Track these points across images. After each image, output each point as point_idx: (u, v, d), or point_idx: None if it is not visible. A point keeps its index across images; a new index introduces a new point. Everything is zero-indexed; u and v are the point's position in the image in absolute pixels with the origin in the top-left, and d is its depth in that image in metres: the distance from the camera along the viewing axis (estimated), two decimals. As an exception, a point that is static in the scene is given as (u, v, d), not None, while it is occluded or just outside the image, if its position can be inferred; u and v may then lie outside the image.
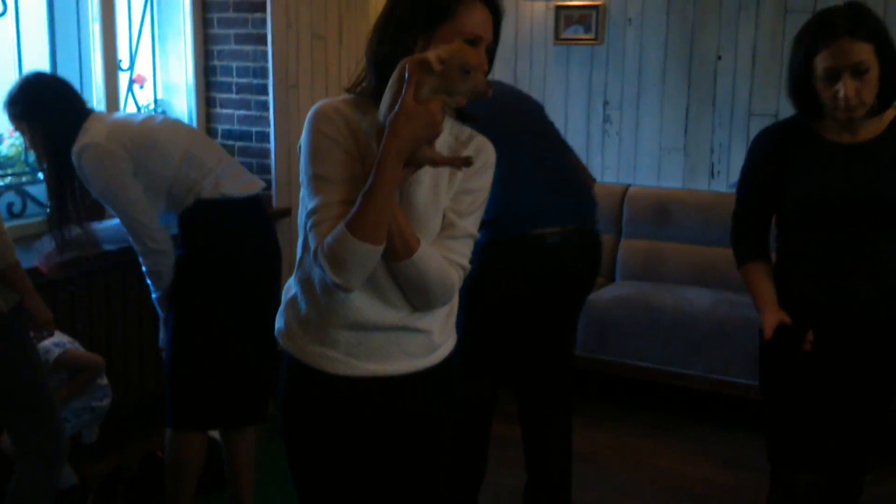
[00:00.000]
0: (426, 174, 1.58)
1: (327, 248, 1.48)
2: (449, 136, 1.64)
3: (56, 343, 2.71)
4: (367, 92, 1.60)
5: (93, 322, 3.15)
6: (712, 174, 4.35)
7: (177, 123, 2.75)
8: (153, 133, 2.53)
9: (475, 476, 2.70)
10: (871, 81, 1.97)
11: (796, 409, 2.18)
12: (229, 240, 2.56)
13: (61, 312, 3.05)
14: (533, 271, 2.52)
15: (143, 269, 2.52)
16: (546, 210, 2.54)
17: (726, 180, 4.31)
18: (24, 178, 3.25)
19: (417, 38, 1.55)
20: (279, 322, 1.68)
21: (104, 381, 2.84)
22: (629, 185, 4.47)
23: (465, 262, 1.63)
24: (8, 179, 3.22)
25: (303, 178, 1.57)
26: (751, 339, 3.64)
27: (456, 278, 1.61)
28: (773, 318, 2.09)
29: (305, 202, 1.56)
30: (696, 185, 4.37)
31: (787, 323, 2.08)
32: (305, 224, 1.55)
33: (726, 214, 4.10)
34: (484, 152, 1.65)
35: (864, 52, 1.95)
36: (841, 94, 1.97)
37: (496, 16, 1.61)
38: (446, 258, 1.59)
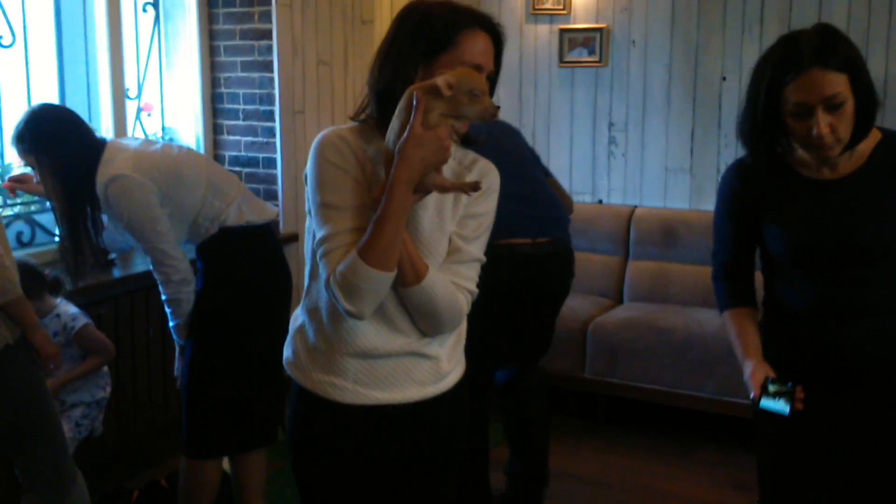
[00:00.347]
0: (431, 200, 1.57)
1: (339, 277, 1.47)
2: (452, 160, 1.63)
3: (83, 313, 2.78)
4: (371, 120, 1.60)
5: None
6: (719, 195, 4.34)
7: (193, 153, 2.77)
8: (176, 163, 2.54)
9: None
10: (847, 115, 1.74)
11: (793, 479, 1.96)
12: (250, 266, 2.58)
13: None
14: (506, 280, 2.65)
15: (163, 297, 2.52)
16: (517, 222, 2.75)
17: (733, 201, 4.30)
18: (32, 207, 3.27)
19: (417, 67, 1.54)
20: (287, 351, 1.67)
21: (105, 367, 2.88)
22: (635, 207, 4.47)
23: (473, 286, 1.63)
24: (17, 208, 3.23)
25: (310, 206, 1.56)
26: (761, 360, 3.64)
27: (464, 303, 1.60)
28: (759, 374, 1.83)
29: (314, 231, 1.56)
30: (702, 206, 4.37)
31: (773, 378, 1.81)
32: (315, 253, 1.54)
33: (734, 235, 4.14)
34: (488, 176, 1.65)
35: (838, 84, 1.72)
36: (815, 131, 1.73)
37: (498, 44, 1.60)
38: (454, 283, 1.58)
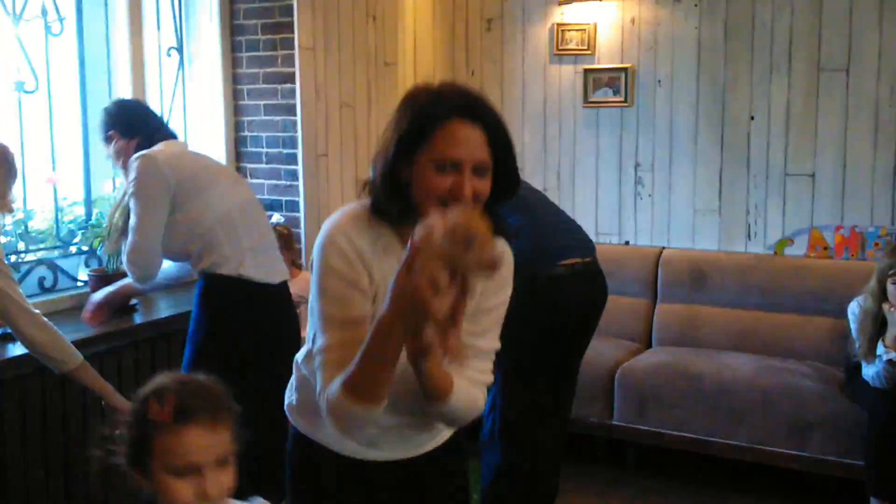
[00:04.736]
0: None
1: (328, 404, 1.42)
2: None
3: None
4: (374, 206, 1.52)
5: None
6: (749, 236, 4.25)
7: (241, 189, 2.83)
8: (209, 182, 2.64)
9: None
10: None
11: None
12: (244, 317, 2.58)
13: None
14: (572, 296, 2.84)
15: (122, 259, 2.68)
16: (568, 243, 2.91)
17: (763, 242, 4.21)
18: (55, 253, 3.26)
19: (402, 164, 1.45)
20: (289, 396, 1.65)
21: None
22: (663, 248, 4.39)
23: (489, 376, 1.60)
24: (40, 254, 3.23)
25: (312, 304, 1.51)
26: (794, 407, 3.52)
27: (482, 399, 1.58)
28: None
29: (315, 332, 1.49)
30: (732, 247, 4.28)
31: None
32: (314, 359, 1.49)
33: (765, 277, 4.05)
34: (504, 266, 1.56)
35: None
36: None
37: (491, 130, 1.45)
38: (471, 379, 1.54)
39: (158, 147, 2.67)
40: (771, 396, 3.57)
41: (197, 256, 2.60)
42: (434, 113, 1.44)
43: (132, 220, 2.60)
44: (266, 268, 2.67)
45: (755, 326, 4.03)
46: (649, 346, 4.24)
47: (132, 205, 2.60)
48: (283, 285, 2.76)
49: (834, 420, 3.46)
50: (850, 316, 3.43)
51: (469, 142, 1.43)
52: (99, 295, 2.86)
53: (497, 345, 1.61)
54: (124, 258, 2.64)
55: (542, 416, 2.90)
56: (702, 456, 3.77)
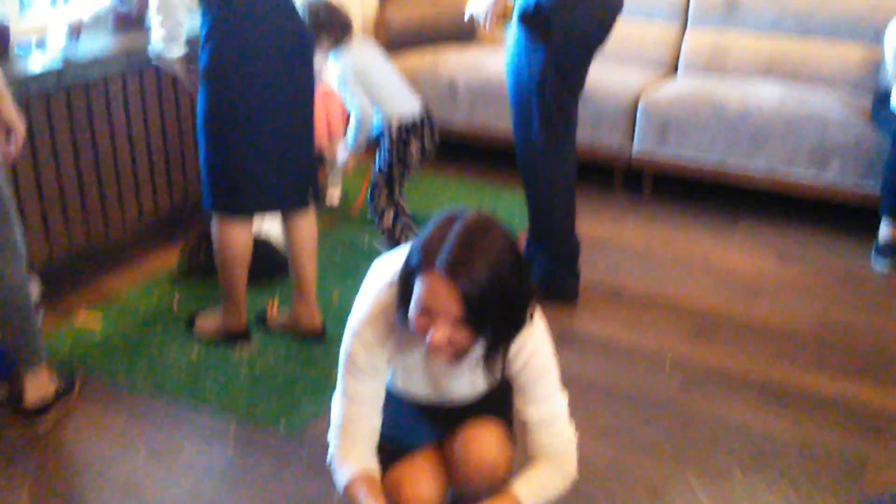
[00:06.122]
0: (465, 372, 1.64)
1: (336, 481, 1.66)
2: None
3: None
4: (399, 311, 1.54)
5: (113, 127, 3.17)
6: (790, -44, 4.01)
7: None
8: None
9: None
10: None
11: None
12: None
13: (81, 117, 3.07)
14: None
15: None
16: None
17: (805, -37, 3.98)
18: None
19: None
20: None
21: None
22: (697, -30, 4.17)
23: (571, 428, 1.66)
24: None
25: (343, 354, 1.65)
26: (817, 134, 3.51)
27: (574, 453, 1.68)
28: None
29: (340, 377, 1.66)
30: (771, -30, 4.06)
31: None
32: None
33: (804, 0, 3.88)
34: (524, 349, 1.58)
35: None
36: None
37: (466, 298, 1.38)
38: (561, 446, 1.65)
39: None
40: (794, 122, 3.55)
41: None
42: (420, 261, 1.42)
43: None
44: None
45: (786, 53, 3.93)
46: (675, 72, 4.16)
47: None
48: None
49: (856, 147, 3.46)
50: (886, 42, 3.32)
51: (442, 298, 1.39)
52: None
53: (564, 391, 1.66)
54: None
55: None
56: (719, 184, 3.82)
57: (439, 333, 1.41)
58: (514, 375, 1.60)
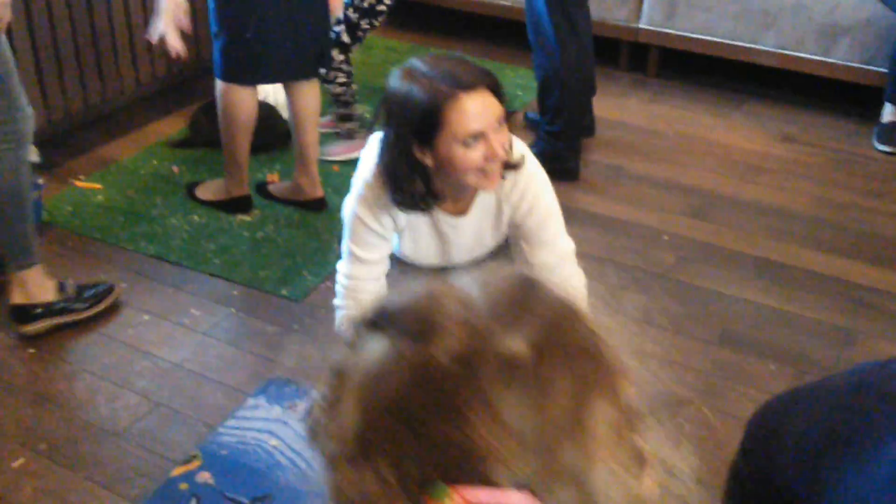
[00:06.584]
0: (469, 227, 1.66)
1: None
2: (493, 198, 1.65)
3: None
4: (394, 197, 1.60)
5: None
6: None
7: None
8: None
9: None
10: None
11: None
12: None
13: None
14: None
15: None
16: None
17: None
18: None
19: (419, 152, 1.51)
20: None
21: None
22: None
23: (583, 279, 1.65)
24: None
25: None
26: (827, 12, 3.43)
27: (586, 296, 1.69)
28: None
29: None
30: None
31: None
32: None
33: None
34: (527, 193, 1.64)
35: None
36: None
37: (492, 86, 1.48)
38: (571, 289, 1.66)
39: None
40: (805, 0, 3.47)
41: None
42: (436, 98, 1.44)
43: None
44: None
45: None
46: (687, -54, 4.02)
47: None
48: None
49: (866, 26, 3.39)
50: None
51: (480, 111, 1.45)
52: None
53: (571, 243, 1.69)
54: None
55: None
56: (726, 61, 3.76)
57: (498, 143, 1.48)
58: (519, 223, 1.66)
